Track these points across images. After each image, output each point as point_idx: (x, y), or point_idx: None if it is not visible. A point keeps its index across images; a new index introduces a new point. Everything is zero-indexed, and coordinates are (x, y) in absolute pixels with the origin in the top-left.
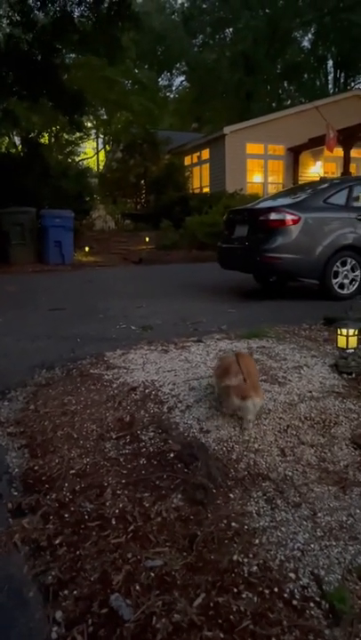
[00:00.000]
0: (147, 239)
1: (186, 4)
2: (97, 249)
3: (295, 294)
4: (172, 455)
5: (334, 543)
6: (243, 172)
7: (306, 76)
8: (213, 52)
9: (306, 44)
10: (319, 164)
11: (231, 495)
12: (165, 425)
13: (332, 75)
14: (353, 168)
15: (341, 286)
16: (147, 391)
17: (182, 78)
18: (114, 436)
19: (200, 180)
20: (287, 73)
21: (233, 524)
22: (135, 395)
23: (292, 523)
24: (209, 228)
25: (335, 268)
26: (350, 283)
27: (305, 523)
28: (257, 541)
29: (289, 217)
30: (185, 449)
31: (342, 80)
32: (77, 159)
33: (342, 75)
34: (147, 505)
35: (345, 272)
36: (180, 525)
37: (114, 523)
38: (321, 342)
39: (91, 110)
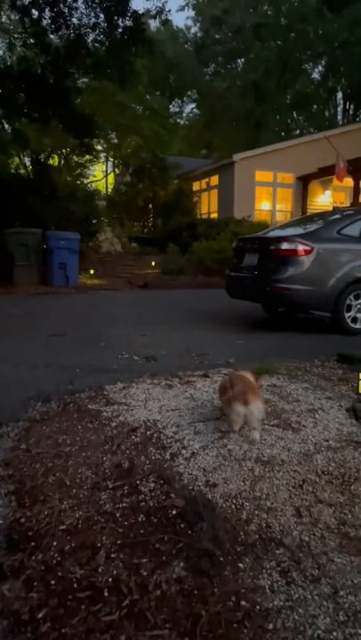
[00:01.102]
0: (153, 263)
1: (199, 34)
2: (102, 272)
3: (305, 326)
4: (174, 512)
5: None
6: (251, 199)
7: (315, 107)
8: (224, 81)
9: (316, 75)
10: (328, 193)
11: (241, 565)
12: (168, 475)
13: (341, 106)
14: None
15: (354, 320)
16: (148, 433)
17: (193, 106)
18: (110, 486)
19: (208, 206)
20: (297, 103)
21: (243, 602)
22: (135, 437)
23: (310, 602)
24: (216, 254)
25: (348, 302)
26: None
27: (325, 603)
28: (270, 626)
29: (301, 247)
30: (189, 505)
31: (352, 112)
32: (86, 181)
33: (352, 106)
34: (145, 573)
35: (358, 305)
36: (183, 602)
37: (106, 594)
38: (335, 382)
39: (101, 134)
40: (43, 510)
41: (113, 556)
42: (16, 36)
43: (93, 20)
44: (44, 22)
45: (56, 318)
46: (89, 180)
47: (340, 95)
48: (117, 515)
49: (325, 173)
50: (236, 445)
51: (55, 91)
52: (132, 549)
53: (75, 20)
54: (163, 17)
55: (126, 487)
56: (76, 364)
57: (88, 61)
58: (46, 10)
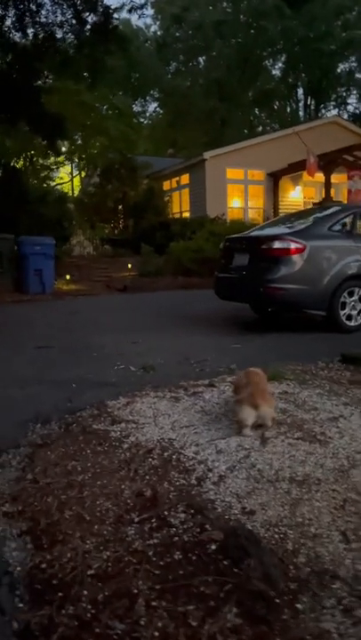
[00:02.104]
0: (129, 265)
1: (159, 32)
2: (78, 276)
3: (298, 326)
4: (213, 547)
5: None
6: (223, 196)
7: (277, 103)
8: (187, 80)
9: (276, 72)
10: (299, 188)
11: (299, 605)
12: (198, 503)
13: (302, 102)
14: (332, 193)
15: (349, 317)
16: (166, 455)
17: (155, 105)
18: (136, 519)
19: (180, 205)
20: (259, 100)
21: None
22: (153, 459)
23: None
24: (194, 253)
25: (342, 299)
26: (358, 314)
27: None
28: None
29: (293, 245)
30: (230, 538)
31: (313, 107)
32: (52, 184)
33: (313, 102)
34: (194, 624)
35: (352, 303)
36: None
37: None
38: (347, 385)
39: (68, 135)
40: (65, 552)
41: (154, 604)
42: None
43: (60, 17)
44: (9, 20)
45: (38, 328)
46: (55, 183)
47: (300, 91)
48: (150, 553)
49: (295, 169)
50: (265, 464)
51: (23, 91)
52: (175, 595)
53: (42, 18)
54: (140, 12)
55: (154, 519)
56: (71, 379)
57: (57, 59)
58: (10, 8)
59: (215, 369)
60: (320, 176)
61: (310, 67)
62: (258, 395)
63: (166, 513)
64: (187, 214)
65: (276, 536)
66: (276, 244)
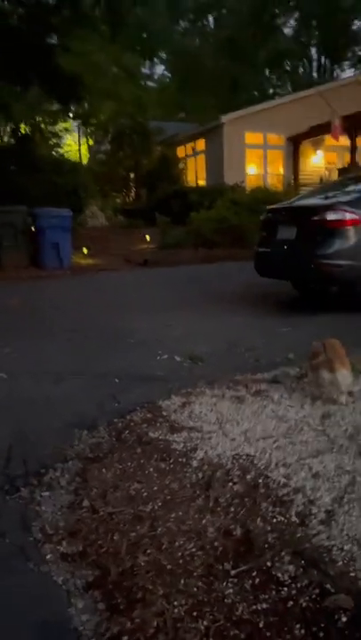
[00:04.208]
0: (148, 237)
1: None
2: (94, 249)
3: (344, 305)
4: (344, 619)
5: None
6: (242, 163)
7: (289, 64)
8: (196, 39)
9: (289, 30)
10: (320, 153)
11: None
12: (309, 552)
13: (315, 62)
14: (357, 157)
15: None
16: (249, 477)
17: (163, 68)
18: (232, 572)
19: (195, 173)
20: (271, 61)
21: None
22: (234, 483)
23: None
24: (217, 224)
25: None
26: None
27: None
28: None
29: (349, 216)
30: None
31: (328, 67)
32: (61, 152)
33: (327, 62)
34: None
35: None
36: None
37: None
38: None
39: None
40: (149, 619)
41: None
42: None
43: None
44: None
45: (63, 309)
46: (64, 150)
47: (313, 51)
48: (260, 624)
49: (317, 132)
50: None
51: (37, 48)
52: None
53: None
54: None
55: (255, 573)
56: (111, 372)
57: (74, 13)
58: None
59: (271, 359)
60: (343, 140)
61: (325, 24)
62: (336, 359)
63: (269, 564)
64: (202, 182)
65: None
66: (330, 215)
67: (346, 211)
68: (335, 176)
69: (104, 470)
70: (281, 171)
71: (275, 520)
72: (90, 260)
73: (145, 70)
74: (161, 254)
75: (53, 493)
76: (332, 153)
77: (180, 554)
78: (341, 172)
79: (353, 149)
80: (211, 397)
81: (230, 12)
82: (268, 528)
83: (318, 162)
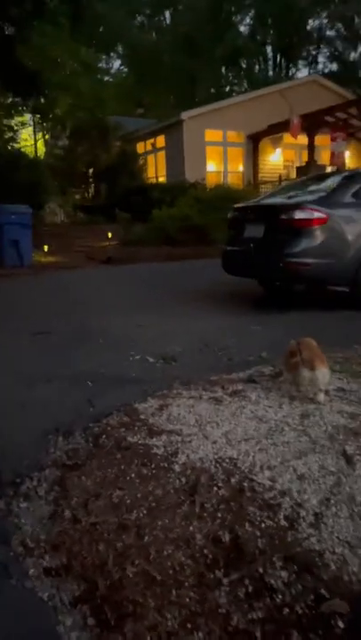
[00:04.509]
0: (109, 234)
1: None
2: (55, 247)
3: (311, 302)
4: (341, 625)
5: None
6: (202, 160)
7: (246, 62)
8: (153, 35)
9: (244, 28)
10: (279, 151)
11: None
12: (301, 556)
13: (271, 61)
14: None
15: None
16: (233, 481)
17: (119, 62)
18: (224, 580)
19: (155, 169)
20: (227, 58)
21: None
22: (219, 488)
23: None
24: (180, 222)
25: None
26: None
27: None
28: None
29: (316, 215)
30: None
31: (283, 66)
32: (16, 146)
33: (283, 60)
34: None
35: None
36: None
37: None
38: None
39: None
40: (142, 634)
41: None
42: None
43: None
44: None
45: (27, 309)
46: (20, 145)
47: (269, 50)
48: (257, 634)
49: (276, 130)
50: None
51: None
52: None
53: None
54: None
55: (248, 581)
56: (84, 374)
57: (34, 4)
58: None
59: (244, 358)
60: (300, 138)
61: (280, 23)
62: (315, 357)
63: (261, 570)
64: (162, 179)
65: None
66: (298, 214)
67: (313, 209)
68: (294, 174)
69: (83, 478)
70: (241, 168)
71: (263, 525)
72: (51, 257)
73: (101, 65)
74: (124, 251)
75: (32, 504)
76: (291, 151)
77: (169, 563)
78: (300, 169)
79: (311, 147)
80: (188, 399)
81: (187, 8)
82: (258, 533)
83: (277, 160)
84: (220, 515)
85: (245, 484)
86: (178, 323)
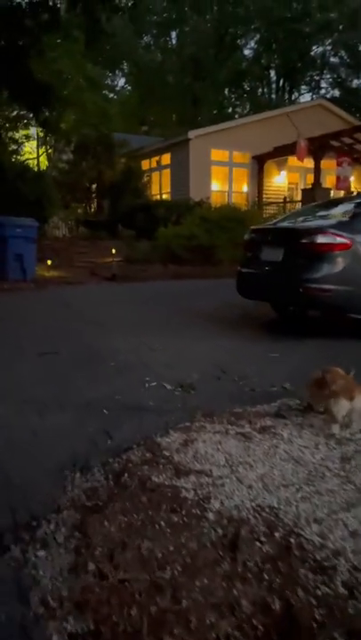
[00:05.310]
0: (113, 250)
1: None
2: (58, 261)
3: (327, 328)
4: None
5: None
6: (207, 179)
7: (249, 85)
8: (159, 54)
9: (249, 52)
10: (284, 173)
11: None
12: None
13: (274, 85)
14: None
15: None
16: (277, 535)
17: (124, 80)
18: None
19: (160, 187)
20: (231, 81)
21: None
22: (262, 543)
23: None
24: (186, 240)
25: None
26: None
27: None
28: None
29: (339, 240)
30: None
31: (286, 90)
32: (21, 159)
33: (286, 84)
34: None
35: None
36: None
37: None
38: None
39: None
40: None
41: None
42: None
43: None
44: None
45: (32, 326)
46: (24, 158)
47: (272, 74)
48: None
49: (282, 153)
50: None
51: (8, 51)
52: None
53: None
54: None
55: None
56: (98, 401)
57: (49, 17)
58: None
59: (266, 389)
60: (305, 161)
61: (285, 48)
62: (354, 387)
63: None
64: (166, 196)
65: None
66: (320, 239)
67: (336, 234)
68: (298, 196)
69: (106, 523)
70: (245, 189)
71: (317, 590)
72: (54, 272)
73: (107, 82)
74: (128, 269)
75: (50, 552)
76: (295, 173)
77: (213, 635)
78: (305, 192)
79: (317, 171)
80: (213, 434)
81: (193, 30)
82: (313, 601)
83: (282, 181)
84: (266, 576)
85: (292, 540)
86: (191, 346)
